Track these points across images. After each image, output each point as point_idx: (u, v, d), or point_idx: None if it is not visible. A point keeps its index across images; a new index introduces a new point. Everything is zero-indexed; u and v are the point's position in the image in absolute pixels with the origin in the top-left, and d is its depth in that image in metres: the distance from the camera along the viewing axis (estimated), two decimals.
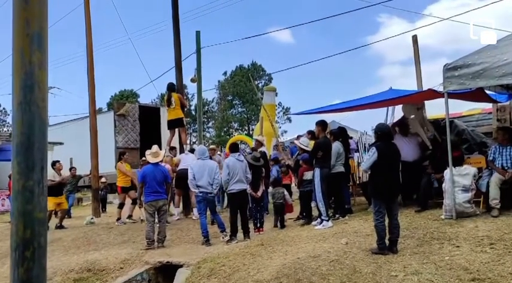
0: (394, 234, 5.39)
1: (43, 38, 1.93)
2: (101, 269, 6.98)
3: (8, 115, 60.03)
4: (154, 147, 8.68)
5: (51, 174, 10.13)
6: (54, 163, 10.88)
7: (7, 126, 59.21)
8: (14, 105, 1.90)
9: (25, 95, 1.88)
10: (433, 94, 7.58)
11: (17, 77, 1.90)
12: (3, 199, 18.57)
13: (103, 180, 15.05)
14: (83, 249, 8.32)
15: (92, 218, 11.89)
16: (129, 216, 11.14)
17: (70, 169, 14.43)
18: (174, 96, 11.04)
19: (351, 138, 10.55)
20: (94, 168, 13.15)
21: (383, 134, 5.67)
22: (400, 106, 9.34)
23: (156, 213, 8.03)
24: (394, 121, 9.69)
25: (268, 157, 10.44)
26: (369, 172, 5.72)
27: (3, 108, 60.50)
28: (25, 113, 1.88)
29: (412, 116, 8.80)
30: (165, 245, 7.90)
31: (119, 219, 10.91)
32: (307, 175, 8.28)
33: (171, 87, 11.21)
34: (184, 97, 13.14)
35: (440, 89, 6.95)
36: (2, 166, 18.79)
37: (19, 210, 1.84)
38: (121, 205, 11.15)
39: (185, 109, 12.22)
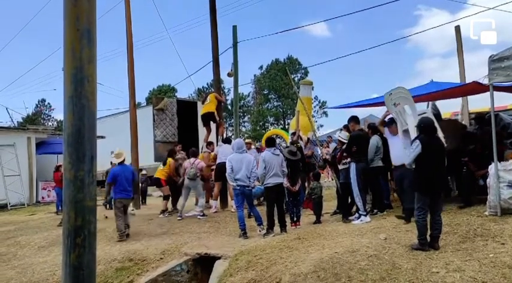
0: (436, 230, 5.26)
1: (92, 33, 2.01)
2: (141, 259, 7.19)
3: (53, 110, 62.49)
4: (117, 149, 9.28)
5: None
6: None
7: (52, 120, 61.65)
8: (65, 98, 1.97)
9: (75, 89, 1.96)
10: (477, 87, 7.28)
11: (68, 72, 1.98)
12: (49, 190, 19.31)
13: (143, 172, 15.38)
14: (124, 240, 8.58)
15: (133, 210, 12.20)
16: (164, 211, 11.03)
17: (111, 163, 14.93)
18: (211, 95, 12.12)
19: None
20: (134, 161, 13.46)
21: (426, 126, 5.50)
22: (440, 101, 9.00)
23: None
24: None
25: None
26: (413, 167, 5.51)
27: (48, 103, 62.92)
28: (75, 106, 1.95)
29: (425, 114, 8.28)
30: (203, 237, 8.03)
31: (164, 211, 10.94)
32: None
33: (210, 92, 12.43)
34: (221, 92, 13.35)
35: (485, 81, 6.69)
36: (49, 158, 19.63)
37: (70, 199, 1.92)
38: (167, 197, 11.16)
39: (222, 104, 12.44)
